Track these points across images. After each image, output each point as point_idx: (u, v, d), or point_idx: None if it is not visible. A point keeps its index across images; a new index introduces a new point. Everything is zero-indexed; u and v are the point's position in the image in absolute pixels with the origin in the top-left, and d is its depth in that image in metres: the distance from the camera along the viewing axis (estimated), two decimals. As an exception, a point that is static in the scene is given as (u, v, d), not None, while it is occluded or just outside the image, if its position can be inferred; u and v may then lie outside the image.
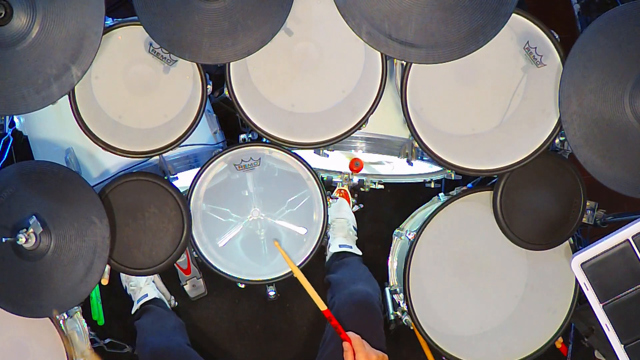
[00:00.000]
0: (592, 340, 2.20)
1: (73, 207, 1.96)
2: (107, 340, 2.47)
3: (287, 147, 2.12)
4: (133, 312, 2.55)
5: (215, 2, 1.85)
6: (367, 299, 2.16)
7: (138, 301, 2.55)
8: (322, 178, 2.44)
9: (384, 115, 2.16)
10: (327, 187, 2.57)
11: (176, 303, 2.64)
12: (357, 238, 2.68)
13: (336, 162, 2.42)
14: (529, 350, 2.21)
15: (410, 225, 2.50)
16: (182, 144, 2.09)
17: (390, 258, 2.52)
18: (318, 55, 2.05)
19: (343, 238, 2.60)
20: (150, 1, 1.85)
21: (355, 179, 2.53)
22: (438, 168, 2.38)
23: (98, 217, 1.97)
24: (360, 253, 2.59)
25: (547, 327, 2.21)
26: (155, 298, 2.56)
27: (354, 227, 2.70)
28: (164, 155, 2.14)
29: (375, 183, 2.57)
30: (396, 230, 2.52)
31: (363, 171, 2.38)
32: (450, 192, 2.28)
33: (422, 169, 2.45)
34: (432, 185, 2.51)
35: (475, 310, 2.20)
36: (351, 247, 2.58)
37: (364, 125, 2.07)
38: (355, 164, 2.31)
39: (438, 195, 2.37)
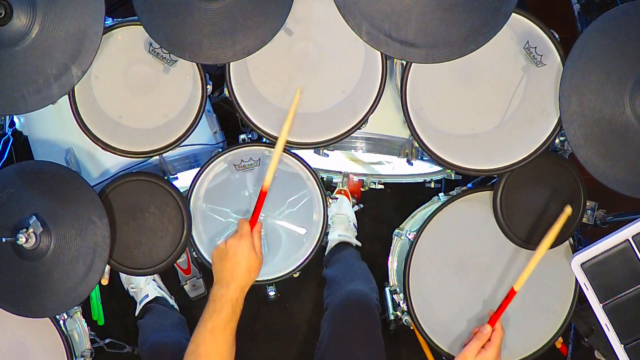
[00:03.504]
0: (592, 340, 2.20)
1: (73, 207, 1.96)
2: (107, 340, 2.48)
3: (287, 147, 2.12)
4: (136, 314, 2.56)
5: (215, 2, 1.85)
6: (363, 299, 2.15)
7: (140, 302, 2.56)
8: (322, 178, 2.44)
9: (384, 115, 2.15)
10: (327, 187, 2.58)
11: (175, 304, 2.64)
12: (357, 234, 2.68)
13: (336, 162, 2.42)
14: (529, 350, 2.21)
15: (410, 225, 2.50)
16: (182, 144, 2.09)
17: (390, 258, 2.52)
18: (318, 55, 2.05)
19: (343, 230, 2.60)
20: (150, 1, 1.85)
21: (356, 179, 2.53)
22: (438, 168, 2.39)
23: (98, 216, 1.97)
24: (359, 244, 2.59)
25: (547, 327, 2.21)
26: (156, 297, 2.57)
27: (354, 224, 2.70)
28: (164, 155, 2.14)
29: (375, 183, 2.57)
30: (396, 230, 2.52)
31: (363, 171, 2.38)
32: (450, 192, 2.28)
33: (422, 169, 2.45)
34: (432, 185, 2.51)
35: (476, 310, 2.20)
36: (350, 238, 2.58)
37: (364, 125, 2.07)
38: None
39: (438, 195, 2.37)
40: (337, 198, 2.68)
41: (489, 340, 1.85)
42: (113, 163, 2.20)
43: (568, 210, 1.92)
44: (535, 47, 1.98)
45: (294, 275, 2.23)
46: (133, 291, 2.61)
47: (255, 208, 1.92)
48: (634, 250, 1.89)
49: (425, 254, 2.20)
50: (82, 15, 1.82)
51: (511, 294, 1.89)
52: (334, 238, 2.57)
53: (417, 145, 2.08)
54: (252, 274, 1.80)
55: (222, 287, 1.76)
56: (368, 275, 2.39)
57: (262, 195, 1.92)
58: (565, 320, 2.20)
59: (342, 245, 2.59)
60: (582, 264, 1.92)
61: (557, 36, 1.97)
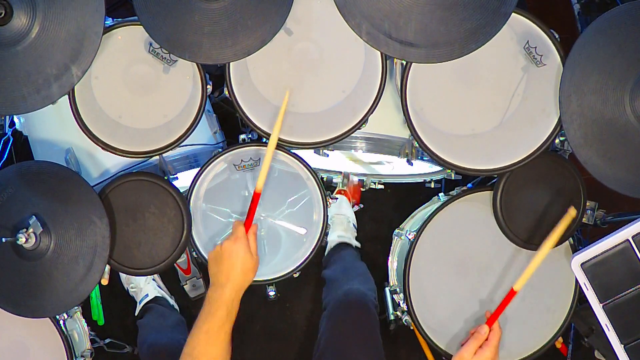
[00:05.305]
0: (592, 340, 2.20)
1: (73, 207, 1.96)
2: (107, 340, 2.48)
3: (287, 147, 2.12)
4: (136, 313, 2.56)
5: (215, 2, 1.85)
6: (361, 299, 2.15)
7: (140, 302, 2.56)
8: (322, 178, 2.44)
9: (384, 115, 2.16)
10: (327, 187, 2.58)
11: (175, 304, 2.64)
12: (356, 234, 2.68)
13: (336, 162, 2.42)
14: (529, 350, 2.21)
15: (410, 225, 2.50)
16: (182, 144, 2.09)
17: (390, 258, 2.52)
18: (318, 55, 2.05)
19: (342, 231, 2.60)
20: (150, 1, 1.85)
21: (356, 179, 2.53)
22: (438, 168, 2.39)
23: (98, 217, 1.97)
24: (358, 245, 2.59)
25: (547, 327, 2.21)
26: (156, 297, 2.57)
27: (354, 224, 2.70)
28: (164, 155, 2.14)
29: (375, 183, 2.57)
30: (396, 230, 2.52)
31: (363, 171, 2.38)
32: (450, 192, 2.28)
33: (422, 169, 2.45)
34: (432, 185, 2.51)
35: (475, 310, 2.20)
36: (349, 239, 2.58)
37: (363, 125, 2.07)
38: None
39: (438, 195, 2.38)
40: (337, 198, 2.68)
41: (487, 339, 1.84)
42: (113, 163, 2.20)
43: (572, 212, 1.90)
44: (535, 47, 1.98)
45: (294, 275, 2.23)
46: (133, 291, 2.61)
47: (249, 210, 1.92)
48: (634, 250, 1.89)
49: (425, 254, 2.20)
50: (82, 15, 1.82)
51: (511, 294, 1.88)
52: (333, 239, 2.58)
53: (417, 145, 2.08)
54: (247, 276, 1.81)
55: (217, 289, 1.77)
56: (367, 275, 2.39)
57: (255, 197, 1.92)
58: (565, 320, 2.20)
59: (342, 245, 2.60)
60: (582, 264, 1.92)
61: (557, 36, 1.97)
